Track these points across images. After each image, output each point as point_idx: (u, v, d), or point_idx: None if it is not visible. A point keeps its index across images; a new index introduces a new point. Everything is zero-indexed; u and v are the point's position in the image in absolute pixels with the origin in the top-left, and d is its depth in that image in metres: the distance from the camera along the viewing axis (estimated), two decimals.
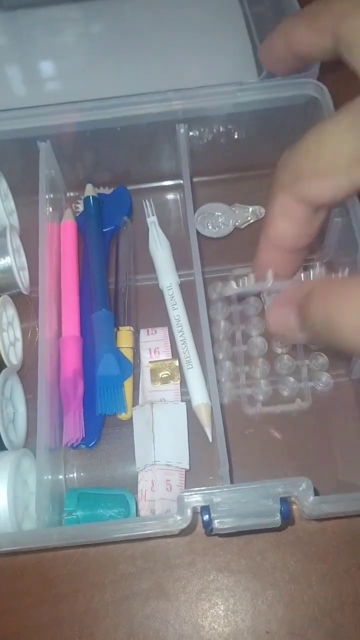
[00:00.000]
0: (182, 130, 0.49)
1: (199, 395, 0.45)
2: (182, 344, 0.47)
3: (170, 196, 0.56)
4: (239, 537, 0.42)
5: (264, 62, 0.44)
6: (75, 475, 0.45)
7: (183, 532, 0.39)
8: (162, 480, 0.43)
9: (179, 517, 0.35)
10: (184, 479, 0.43)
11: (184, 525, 0.35)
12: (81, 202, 0.54)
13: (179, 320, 0.48)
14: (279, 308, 0.33)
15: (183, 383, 0.46)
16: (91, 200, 0.53)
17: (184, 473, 0.43)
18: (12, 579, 0.42)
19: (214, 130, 0.52)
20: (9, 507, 0.39)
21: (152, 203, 0.54)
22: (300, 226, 0.34)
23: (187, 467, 0.43)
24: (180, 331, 0.48)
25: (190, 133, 0.51)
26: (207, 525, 0.36)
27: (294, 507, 0.39)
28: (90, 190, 0.54)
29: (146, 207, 0.53)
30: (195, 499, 0.35)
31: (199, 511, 0.36)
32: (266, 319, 0.34)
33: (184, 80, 0.50)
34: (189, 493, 0.35)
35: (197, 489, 0.36)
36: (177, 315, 0.48)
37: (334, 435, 0.45)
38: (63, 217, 0.53)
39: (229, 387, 0.47)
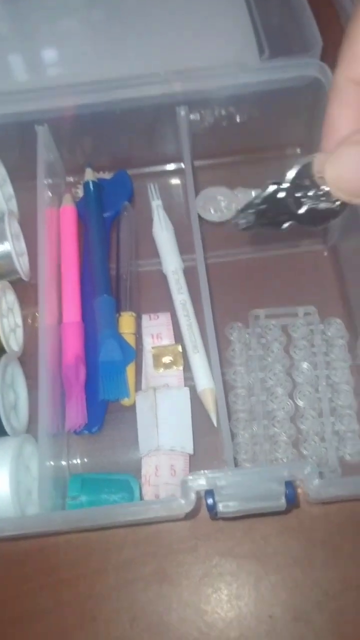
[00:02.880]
0: (182, 113, 0.49)
1: (205, 380, 0.45)
2: (188, 328, 0.47)
3: (172, 181, 0.55)
4: (242, 522, 0.42)
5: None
6: (79, 461, 0.45)
7: (187, 516, 0.39)
8: (166, 465, 0.42)
9: (182, 501, 0.35)
10: (188, 464, 0.43)
11: (188, 509, 0.35)
12: (81, 187, 0.54)
13: (185, 305, 0.48)
14: None
15: (186, 368, 0.46)
16: (91, 185, 0.53)
17: (188, 458, 0.43)
18: (15, 565, 0.42)
19: (216, 113, 0.51)
20: (12, 493, 0.39)
21: (156, 187, 0.53)
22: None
23: (191, 452, 0.43)
24: (186, 315, 0.47)
25: (192, 116, 0.51)
26: (211, 508, 0.35)
27: (298, 490, 0.39)
28: (89, 175, 0.53)
29: (151, 190, 0.53)
30: (200, 482, 0.35)
31: (202, 495, 0.36)
32: (334, 169, 0.27)
33: (185, 62, 0.49)
34: (193, 477, 0.35)
35: (201, 472, 0.35)
36: (183, 300, 0.48)
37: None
38: (62, 202, 0.52)
39: (244, 444, 0.44)
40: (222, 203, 0.52)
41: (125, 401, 0.46)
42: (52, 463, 0.40)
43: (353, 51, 0.28)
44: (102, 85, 0.48)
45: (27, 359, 0.48)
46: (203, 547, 0.42)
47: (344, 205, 0.28)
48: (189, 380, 0.46)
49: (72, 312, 0.48)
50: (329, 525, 0.41)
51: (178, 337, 0.47)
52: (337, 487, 0.35)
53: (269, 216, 0.30)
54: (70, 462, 0.45)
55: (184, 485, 0.35)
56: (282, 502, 0.35)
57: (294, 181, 0.29)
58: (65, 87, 0.49)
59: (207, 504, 0.35)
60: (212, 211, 0.52)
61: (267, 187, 0.29)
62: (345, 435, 0.42)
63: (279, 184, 0.29)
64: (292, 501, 0.35)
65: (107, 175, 0.55)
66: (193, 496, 0.35)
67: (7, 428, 0.43)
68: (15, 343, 0.48)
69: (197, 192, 0.53)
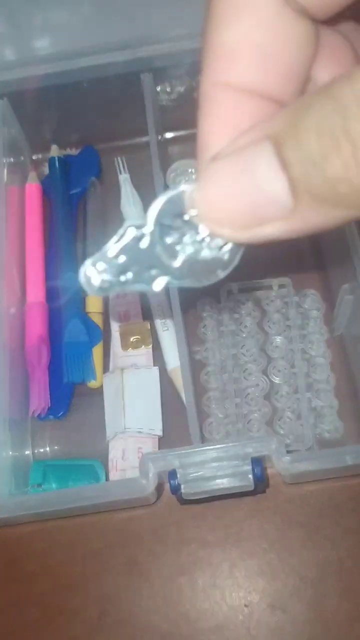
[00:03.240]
0: (147, 80, 0.46)
1: (175, 358, 0.42)
2: (158, 305, 0.45)
3: (142, 154, 0.53)
4: (214, 507, 0.39)
5: None
6: (48, 448, 0.43)
7: (154, 500, 0.36)
8: (134, 449, 0.40)
9: (143, 481, 0.33)
10: (157, 447, 0.41)
11: (149, 490, 0.33)
12: (47, 164, 0.51)
13: None
14: (234, 162, 0.19)
15: (156, 347, 0.44)
16: (56, 162, 0.50)
17: (157, 440, 0.41)
18: None
19: (185, 82, 0.49)
20: None
21: (124, 160, 0.51)
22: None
23: (160, 433, 0.41)
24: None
25: (160, 86, 0.48)
26: (175, 490, 0.33)
27: (271, 471, 0.36)
28: (55, 151, 0.51)
29: (118, 164, 0.51)
30: (160, 462, 0.33)
31: (166, 478, 0.34)
32: (203, 196, 0.19)
33: (150, 29, 0.47)
34: (153, 456, 0.33)
35: (162, 451, 0.33)
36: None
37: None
38: (27, 180, 0.50)
39: (216, 424, 0.41)
40: (194, 176, 0.50)
41: (92, 383, 0.43)
42: (9, 451, 0.38)
43: (219, 48, 0.21)
44: (64, 54, 0.46)
45: None
46: (174, 534, 0.40)
47: (234, 250, 0.21)
48: (159, 359, 0.43)
49: (36, 292, 0.45)
50: (306, 507, 0.39)
51: (147, 316, 0.45)
52: (308, 462, 0.33)
53: (134, 272, 0.21)
54: (37, 450, 0.43)
55: (142, 465, 0.33)
56: (250, 481, 0.33)
57: (158, 223, 0.20)
58: (25, 59, 0.47)
59: (170, 486, 0.33)
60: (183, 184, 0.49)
61: (123, 231, 0.21)
62: (322, 411, 0.40)
63: (140, 227, 0.21)
64: (261, 479, 0.33)
65: (74, 152, 0.52)
66: (151, 475, 0.33)
67: None
68: None
69: (168, 165, 0.50)
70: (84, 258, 0.50)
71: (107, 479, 0.40)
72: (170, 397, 0.43)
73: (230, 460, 0.32)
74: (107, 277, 0.21)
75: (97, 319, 0.45)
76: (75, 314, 0.44)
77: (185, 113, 0.51)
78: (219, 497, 0.36)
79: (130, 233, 0.21)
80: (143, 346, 0.44)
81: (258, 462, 0.33)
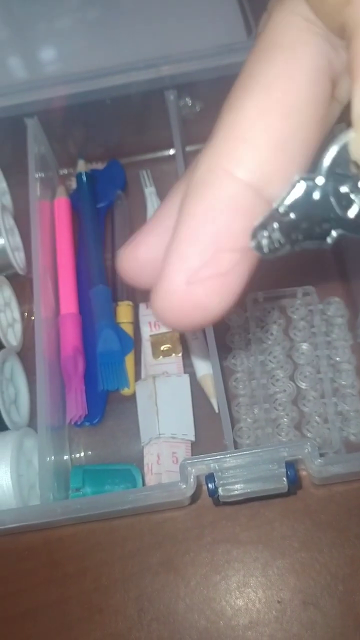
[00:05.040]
0: (171, 97, 0.48)
1: (204, 366, 0.44)
2: None
3: (165, 167, 0.55)
4: (247, 508, 0.41)
5: None
6: (83, 454, 0.45)
7: (190, 503, 0.38)
8: (168, 453, 0.42)
9: (183, 485, 0.35)
10: (190, 451, 0.42)
11: (189, 493, 0.34)
12: (74, 179, 0.53)
13: None
14: None
15: (185, 355, 0.45)
16: (83, 176, 0.52)
17: (189, 445, 0.43)
18: (19, 560, 0.41)
19: (207, 97, 0.50)
20: (14, 486, 0.39)
21: (149, 173, 0.53)
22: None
23: (193, 438, 0.42)
24: None
25: (182, 101, 0.50)
26: (213, 493, 0.35)
27: (301, 473, 0.38)
28: (82, 166, 0.53)
29: (143, 178, 0.52)
30: (199, 466, 0.34)
31: (204, 481, 0.35)
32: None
33: (172, 47, 0.48)
34: (192, 460, 0.35)
35: (200, 456, 0.35)
36: None
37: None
38: (56, 194, 0.52)
39: (246, 429, 0.43)
40: None
41: (126, 391, 0.45)
42: (52, 456, 0.40)
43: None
44: (90, 74, 0.48)
45: (27, 354, 0.48)
46: (209, 534, 0.41)
47: None
48: (189, 367, 0.45)
49: (69, 303, 0.47)
50: (335, 507, 0.40)
51: None
52: (339, 465, 0.34)
53: (304, 228, 0.19)
54: (74, 455, 0.45)
55: (182, 469, 0.35)
56: (284, 483, 0.34)
57: (331, 172, 0.19)
58: (53, 78, 0.49)
59: (207, 489, 0.35)
60: None
61: (294, 185, 0.19)
62: (348, 415, 0.42)
63: (311, 179, 0.19)
64: (294, 482, 0.34)
65: (99, 166, 0.54)
66: (192, 479, 0.34)
67: (7, 423, 0.42)
68: (13, 338, 0.48)
69: None
70: (114, 270, 0.52)
71: (143, 482, 0.42)
72: (199, 403, 0.44)
73: (265, 464, 0.34)
74: (277, 236, 0.19)
75: (128, 329, 0.47)
76: (107, 324, 0.46)
77: (205, 126, 0.53)
78: (251, 499, 0.37)
79: (301, 187, 0.19)
80: (173, 354, 0.45)
81: (291, 466, 0.34)
